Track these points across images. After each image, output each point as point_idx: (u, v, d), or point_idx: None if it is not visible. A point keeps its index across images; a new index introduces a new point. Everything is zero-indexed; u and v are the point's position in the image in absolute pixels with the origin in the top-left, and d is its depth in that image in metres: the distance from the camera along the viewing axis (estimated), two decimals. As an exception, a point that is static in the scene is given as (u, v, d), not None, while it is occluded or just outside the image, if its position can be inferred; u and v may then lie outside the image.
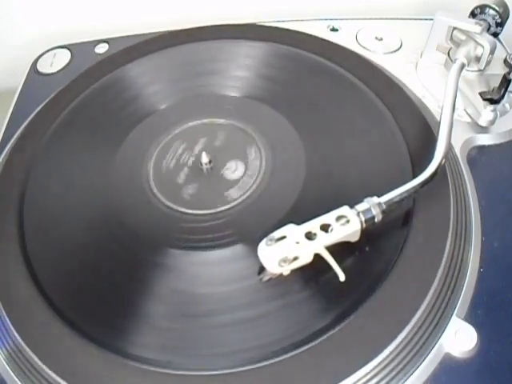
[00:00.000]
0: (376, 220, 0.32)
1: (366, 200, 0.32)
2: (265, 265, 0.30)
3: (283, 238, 0.31)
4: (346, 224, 0.31)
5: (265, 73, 0.46)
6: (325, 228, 0.31)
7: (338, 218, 0.31)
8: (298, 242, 0.30)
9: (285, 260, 0.30)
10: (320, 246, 0.30)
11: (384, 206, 0.32)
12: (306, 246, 0.30)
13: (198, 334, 0.31)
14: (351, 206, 0.32)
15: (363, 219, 0.31)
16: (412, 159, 0.37)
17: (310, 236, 0.31)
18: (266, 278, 0.32)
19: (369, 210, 0.31)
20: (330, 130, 0.41)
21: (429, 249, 0.33)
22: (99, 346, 0.30)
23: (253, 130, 0.42)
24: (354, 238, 0.32)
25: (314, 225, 0.31)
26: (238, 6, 0.60)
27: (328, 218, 0.31)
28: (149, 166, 0.41)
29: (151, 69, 0.47)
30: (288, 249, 0.30)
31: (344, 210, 0.32)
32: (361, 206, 0.32)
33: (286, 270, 0.31)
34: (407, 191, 0.32)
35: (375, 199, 0.32)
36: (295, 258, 0.30)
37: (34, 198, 0.39)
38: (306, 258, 0.30)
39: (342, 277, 0.30)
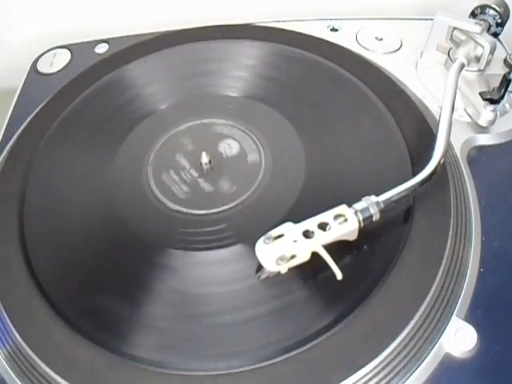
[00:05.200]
0: (374, 219, 0.32)
1: (363, 199, 0.32)
2: (262, 263, 0.31)
3: (281, 236, 0.31)
4: (343, 223, 0.31)
5: (265, 73, 0.46)
6: (322, 226, 0.31)
7: (336, 217, 0.31)
8: (295, 241, 0.31)
9: (282, 258, 0.30)
10: (317, 244, 0.30)
11: (382, 205, 0.32)
12: (304, 245, 0.30)
13: (198, 334, 0.31)
14: (349, 205, 0.32)
15: (361, 218, 0.31)
16: (412, 159, 0.37)
17: (307, 234, 0.31)
18: (264, 276, 0.32)
19: (367, 208, 0.31)
20: (330, 130, 0.41)
21: (429, 249, 0.33)
22: (99, 346, 0.30)
23: (253, 130, 0.42)
24: (352, 237, 0.32)
25: (311, 223, 0.31)
26: (238, 6, 0.60)
27: (326, 216, 0.32)
28: (149, 166, 0.40)
29: (151, 69, 0.47)
30: (285, 247, 0.30)
31: (342, 208, 0.32)
32: (359, 205, 0.32)
33: (283, 269, 0.31)
34: (406, 190, 0.32)
35: (373, 198, 0.32)
36: (293, 257, 0.30)
37: (34, 197, 0.39)
38: (303, 257, 0.31)
39: (339, 275, 0.30)
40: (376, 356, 0.29)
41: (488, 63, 0.42)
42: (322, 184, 0.38)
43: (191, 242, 0.35)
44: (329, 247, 0.31)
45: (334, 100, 0.43)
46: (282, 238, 0.31)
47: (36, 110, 0.46)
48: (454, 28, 0.43)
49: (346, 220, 0.31)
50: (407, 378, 0.29)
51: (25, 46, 0.58)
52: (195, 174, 0.40)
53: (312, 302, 0.32)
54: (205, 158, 0.39)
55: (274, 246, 0.30)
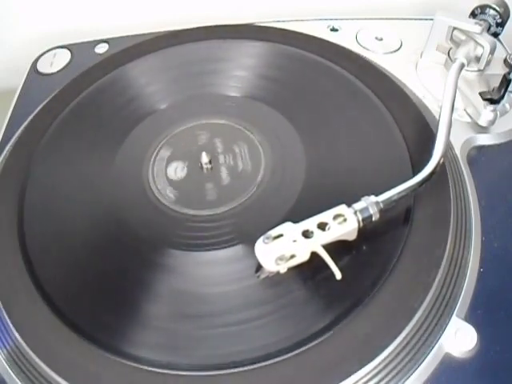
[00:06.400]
0: (373, 219, 0.32)
1: (363, 199, 0.32)
2: (262, 263, 0.31)
3: (280, 236, 0.31)
4: (343, 223, 0.31)
5: (265, 73, 0.46)
6: (322, 226, 0.31)
7: (336, 217, 0.31)
8: (294, 240, 0.31)
9: (281, 258, 0.30)
10: (317, 244, 0.30)
11: (382, 205, 0.32)
12: (303, 244, 0.30)
13: (198, 334, 0.31)
14: (349, 205, 0.32)
15: (360, 218, 0.31)
16: (412, 159, 0.37)
17: (307, 234, 0.31)
18: (263, 275, 0.32)
19: (366, 208, 0.31)
20: (330, 130, 0.41)
21: (429, 249, 0.33)
22: (99, 346, 0.30)
23: (253, 130, 0.42)
24: (352, 237, 0.32)
25: (311, 223, 0.31)
26: (238, 5, 0.60)
27: (325, 216, 0.32)
28: (149, 166, 0.40)
29: (151, 69, 0.47)
30: (285, 247, 0.30)
31: (341, 208, 0.32)
32: (358, 205, 0.32)
33: (282, 268, 0.31)
34: (405, 190, 0.32)
35: (373, 198, 0.32)
36: (292, 256, 0.30)
37: (34, 197, 0.39)
38: (302, 256, 0.31)
39: (338, 275, 0.30)
40: (376, 356, 0.28)
41: (488, 63, 0.42)
42: (322, 184, 0.37)
43: (191, 242, 0.35)
44: (328, 247, 0.31)
45: (334, 100, 0.43)
46: (282, 238, 0.31)
47: (36, 110, 0.46)
48: (454, 28, 0.43)
49: (345, 220, 0.31)
50: (407, 378, 0.29)
51: (25, 46, 0.58)
52: (195, 174, 0.40)
53: (311, 302, 0.32)
54: (205, 158, 0.39)
55: (274, 246, 0.30)
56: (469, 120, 0.42)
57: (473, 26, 0.41)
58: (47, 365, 0.30)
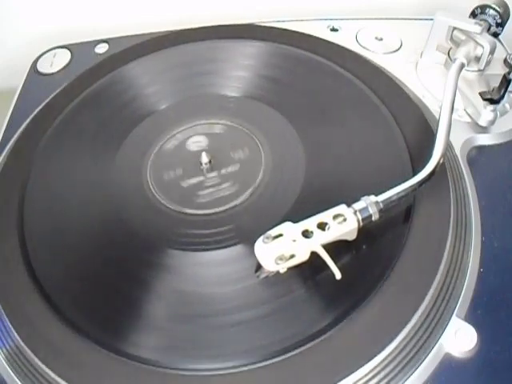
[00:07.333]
0: (373, 219, 0.32)
1: (363, 199, 0.32)
2: (261, 262, 0.31)
3: (280, 235, 0.31)
4: (342, 222, 0.31)
5: (265, 73, 0.46)
6: (322, 226, 0.31)
7: (335, 217, 0.31)
8: (294, 240, 0.31)
9: (281, 258, 0.30)
10: (316, 244, 0.30)
11: (381, 205, 0.32)
12: (303, 244, 0.30)
13: (198, 334, 0.31)
14: (348, 205, 0.32)
15: (360, 218, 0.31)
16: (412, 159, 0.37)
17: (306, 234, 0.31)
18: (263, 275, 0.32)
19: (366, 208, 0.32)
20: (330, 130, 0.41)
21: (429, 249, 0.33)
22: (99, 346, 0.30)
23: (253, 130, 0.42)
24: (352, 237, 0.32)
25: (310, 223, 0.31)
26: (238, 6, 0.60)
27: (325, 216, 0.32)
28: (148, 166, 0.40)
29: (151, 69, 0.47)
30: (284, 246, 0.30)
31: (341, 208, 0.32)
32: (358, 205, 0.32)
33: (282, 268, 0.31)
34: (405, 190, 0.32)
35: (372, 198, 0.32)
36: (292, 256, 0.30)
37: (34, 198, 0.39)
38: (302, 256, 0.31)
39: (337, 275, 0.30)
40: (376, 356, 0.28)
41: (488, 63, 0.42)
42: (322, 184, 0.37)
43: (191, 242, 0.35)
44: (328, 247, 0.31)
45: (334, 100, 0.43)
46: (281, 238, 0.31)
47: (36, 110, 0.46)
48: (454, 28, 0.43)
49: (345, 220, 0.31)
50: (407, 378, 0.29)
51: (25, 46, 0.58)
52: (195, 174, 0.40)
53: (311, 302, 0.32)
54: (205, 158, 0.40)
55: (273, 246, 0.30)
56: (469, 120, 0.42)
57: (473, 26, 0.41)
58: (47, 365, 0.30)
